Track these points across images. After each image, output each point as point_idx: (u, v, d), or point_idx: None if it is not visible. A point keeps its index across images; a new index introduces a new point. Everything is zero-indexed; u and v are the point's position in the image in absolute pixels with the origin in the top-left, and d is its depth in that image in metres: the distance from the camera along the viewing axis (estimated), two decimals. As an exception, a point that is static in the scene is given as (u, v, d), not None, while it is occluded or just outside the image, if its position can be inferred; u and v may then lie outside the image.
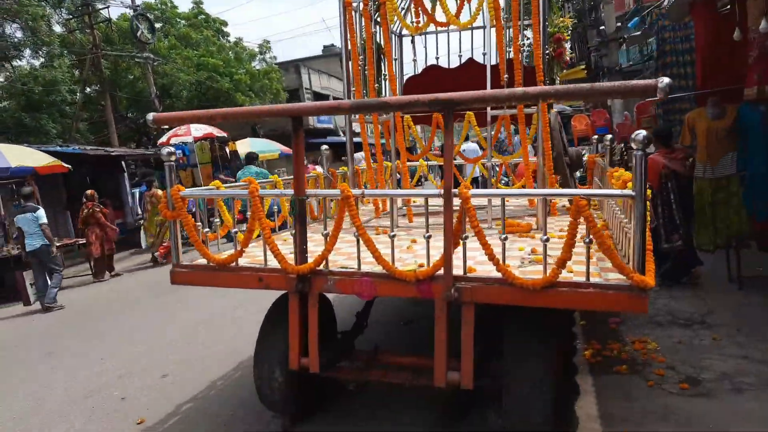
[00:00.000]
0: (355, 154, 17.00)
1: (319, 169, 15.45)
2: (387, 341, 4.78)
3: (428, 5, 4.26)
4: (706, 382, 3.72)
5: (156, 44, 20.84)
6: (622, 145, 8.98)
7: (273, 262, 3.14)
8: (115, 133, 18.20)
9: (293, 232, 3.04)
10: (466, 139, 10.88)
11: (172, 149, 3.24)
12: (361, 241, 2.90)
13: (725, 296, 5.36)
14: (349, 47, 4.40)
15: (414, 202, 5.01)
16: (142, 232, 11.91)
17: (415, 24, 4.33)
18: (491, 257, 2.66)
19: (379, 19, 4.60)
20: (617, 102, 14.42)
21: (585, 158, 6.07)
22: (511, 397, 2.88)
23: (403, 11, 4.79)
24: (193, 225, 3.25)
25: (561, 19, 4.61)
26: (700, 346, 4.33)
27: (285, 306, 3.51)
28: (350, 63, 4.43)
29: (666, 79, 2.24)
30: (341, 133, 32.94)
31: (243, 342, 5.42)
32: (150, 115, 3.13)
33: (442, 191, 2.72)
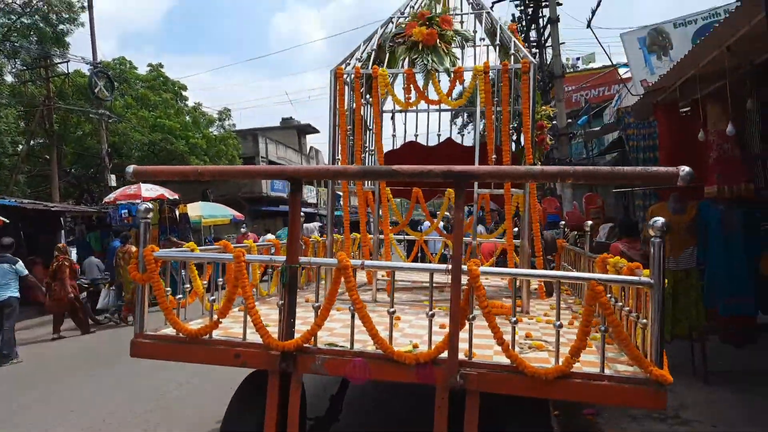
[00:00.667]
0: (306, 225, 16.77)
1: (271, 236, 15.11)
2: (355, 424, 4.40)
3: (420, 83, 4.30)
4: (696, 484, 3.55)
5: (112, 103, 20.46)
6: (575, 232, 9.28)
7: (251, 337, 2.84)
8: (57, 187, 17.28)
9: (280, 302, 2.77)
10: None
11: (149, 205, 2.98)
12: (356, 317, 2.67)
13: (693, 390, 5.32)
14: (338, 117, 4.34)
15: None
16: (103, 292, 11.26)
17: (405, 100, 4.34)
18: (501, 342, 2.49)
19: (365, 92, 4.61)
20: (567, 191, 15.06)
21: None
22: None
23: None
24: (164, 290, 2.92)
25: (544, 107, 4.77)
26: (680, 443, 4.20)
27: (257, 386, 3.17)
28: (338, 131, 4.36)
29: (687, 168, 2.24)
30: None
31: (191, 421, 4.89)
32: (130, 168, 2.87)
33: (449, 267, 2.56)
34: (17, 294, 7.69)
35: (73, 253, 16.14)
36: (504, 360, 2.61)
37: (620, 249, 5.82)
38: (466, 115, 30.62)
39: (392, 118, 5.61)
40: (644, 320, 2.52)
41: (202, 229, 18.45)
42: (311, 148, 40.13)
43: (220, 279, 3.41)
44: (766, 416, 4.61)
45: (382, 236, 4.55)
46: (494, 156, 4.10)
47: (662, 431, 4.43)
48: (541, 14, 17.71)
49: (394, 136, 5.47)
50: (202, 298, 3.43)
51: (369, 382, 5.03)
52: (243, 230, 11.66)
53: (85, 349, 8.30)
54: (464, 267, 2.53)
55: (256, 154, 29.38)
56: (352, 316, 2.72)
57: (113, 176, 18.60)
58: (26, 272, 7.84)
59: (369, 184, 4.72)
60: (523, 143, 4.49)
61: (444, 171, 2.52)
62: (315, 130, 39.08)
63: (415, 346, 2.86)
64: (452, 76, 4.20)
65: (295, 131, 37.44)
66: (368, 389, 5.30)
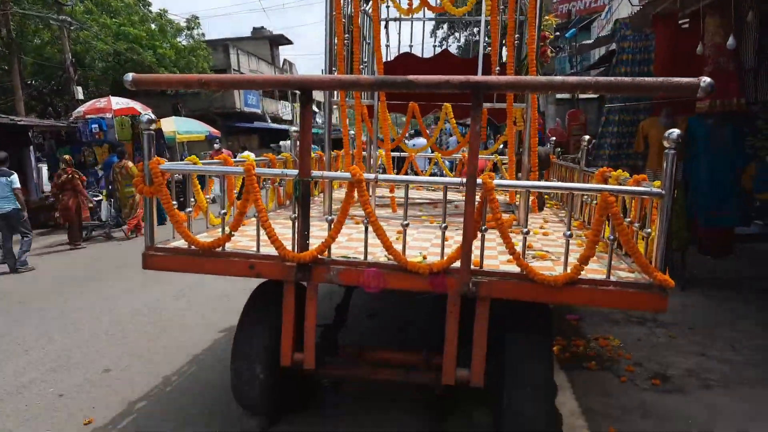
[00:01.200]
0: (283, 142, 16.50)
1: (248, 153, 14.82)
2: (354, 334, 4.59)
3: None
4: (675, 378, 3.87)
5: (72, 8, 19.06)
6: (559, 149, 9.37)
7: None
8: (21, 100, 16.44)
9: (293, 215, 2.78)
10: (417, 134, 10.82)
11: (152, 116, 2.86)
12: (370, 230, 2.70)
13: (670, 297, 5.66)
14: (334, 25, 4.14)
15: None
16: (103, 203, 11.53)
17: (407, 6, 4.15)
18: (512, 252, 2.57)
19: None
20: (550, 107, 15.01)
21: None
22: (516, 397, 2.79)
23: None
24: (172, 204, 2.89)
25: (546, 17, 4.63)
26: (659, 343, 4.52)
27: (268, 298, 3.25)
28: (335, 40, 4.17)
29: (708, 79, 2.25)
30: (268, 119, 31.99)
31: (191, 335, 5.04)
32: (129, 75, 2.73)
33: (464, 179, 2.58)
34: (18, 206, 7.95)
35: (44, 170, 15.72)
36: (512, 269, 2.71)
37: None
38: (446, 26, 29.55)
39: (386, 27, 5.38)
40: (648, 230, 2.62)
41: (176, 146, 17.94)
42: (285, 60, 38.61)
43: (220, 194, 3.39)
44: (737, 318, 4.97)
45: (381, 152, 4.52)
46: (497, 68, 4.02)
47: (642, 334, 4.75)
48: None
49: (387, 46, 5.27)
50: (206, 212, 3.41)
51: (364, 295, 5.22)
52: (216, 146, 11.32)
53: (79, 264, 8.29)
54: (479, 180, 2.55)
55: (228, 67, 28.15)
56: (366, 229, 2.75)
57: (79, 89, 17.73)
58: (18, 185, 8.01)
59: (366, 97, 4.60)
60: (524, 55, 4.40)
61: (462, 81, 2.46)
62: (288, 41, 37.40)
63: (425, 257, 2.92)
64: (455, -19, 4.01)
65: (267, 42, 35.77)
66: (365, 301, 5.48)
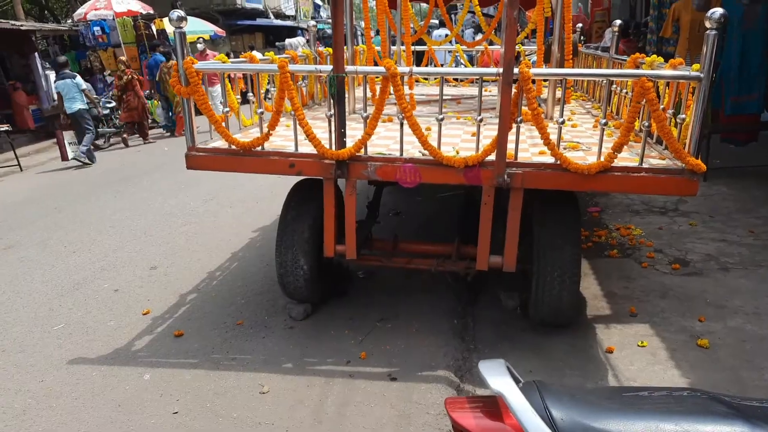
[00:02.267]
0: (289, 40, 15.76)
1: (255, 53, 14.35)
2: (384, 230, 4.78)
3: None
4: (695, 262, 4.04)
5: None
6: (582, 37, 8.99)
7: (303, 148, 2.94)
8: (20, 3, 15.85)
9: (330, 113, 2.82)
10: (442, 24, 10.34)
11: (182, 13, 2.82)
12: (406, 125, 2.75)
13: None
14: None
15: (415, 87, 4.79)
16: (152, 105, 11.91)
17: None
18: (547, 142, 2.62)
19: None
20: (572, -7, 14.14)
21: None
22: (544, 281, 2.97)
23: None
24: (209, 103, 2.93)
25: None
26: (679, 231, 4.66)
27: (307, 194, 3.38)
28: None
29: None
30: (271, 15, 30.59)
31: (227, 233, 5.27)
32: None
33: (500, 69, 2.57)
34: (85, 105, 8.80)
35: (51, 77, 15.50)
36: (545, 160, 2.78)
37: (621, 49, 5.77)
38: None
39: None
40: (682, 116, 2.64)
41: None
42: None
43: (251, 93, 3.40)
44: (758, 205, 5.06)
45: (403, 47, 4.42)
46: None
47: (663, 223, 4.88)
48: None
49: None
50: (237, 113, 3.44)
51: (388, 195, 5.35)
52: (200, 47, 10.85)
53: (108, 167, 8.48)
54: (516, 70, 2.54)
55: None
56: (401, 124, 2.80)
57: (77, -11, 16.98)
58: (85, 86, 8.86)
59: (388, -13, 4.42)
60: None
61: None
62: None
63: (457, 152, 2.98)
64: None
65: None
66: (390, 200, 5.62)
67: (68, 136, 8.99)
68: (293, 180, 3.47)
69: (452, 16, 10.07)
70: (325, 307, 3.66)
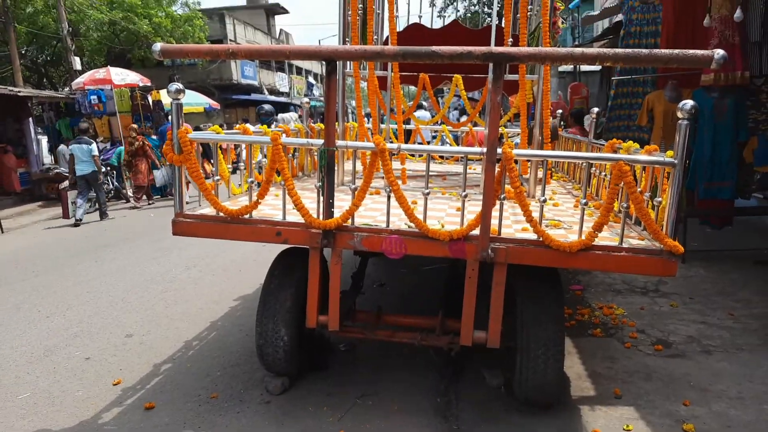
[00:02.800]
0: (281, 114, 16.27)
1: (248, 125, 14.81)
2: (367, 301, 4.74)
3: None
4: (677, 344, 4.04)
5: (66, -25, 18.71)
6: (562, 122, 9.44)
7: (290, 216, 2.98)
8: (19, 71, 16.28)
9: (319, 184, 2.88)
10: (419, 107, 10.84)
11: (180, 86, 2.92)
12: (393, 199, 2.81)
13: (669, 267, 5.83)
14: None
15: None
16: (162, 169, 12.46)
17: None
18: (530, 219, 2.68)
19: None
20: (553, 81, 14.94)
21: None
22: (528, 359, 2.94)
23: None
24: (201, 172, 2.98)
25: (558, -11, 4.66)
26: (661, 312, 4.69)
27: (291, 263, 3.38)
28: (348, 12, 4.22)
29: (721, 51, 2.34)
30: (265, 91, 31.72)
31: (207, 302, 5.18)
32: (157, 45, 2.78)
33: (485, 149, 2.68)
34: (95, 168, 9.63)
35: (44, 142, 15.67)
36: (528, 236, 2.84)
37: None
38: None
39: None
40: (659, 199, 2.74)
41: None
42: (281, 30, 38.12)
43: (242, 163, 3.48)
44: (736, 288, 5.14)
45: (394, 125, 4.61)
46: (510, 40, 4.07)
47: (644, 303, 4.92)
48: None
49: (396, 17, 5.29)
50: (227, 182, 3.50)
51: (371, 267, 5.35)
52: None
53: (89, 234, 8.40)
54: (499, 150, 2.65)
55: (224, 37, 27.83)
56: (388, 197, 2.86)
57: (77, 59, 17.53)
58: (96, 153, 9.74)
59: (379, 68, 4.66)
60: (535, 27, 4.45)
61: (485, 52, 2.54)
62: (284, 11, 36.85)
63: (443, 225, 3.03)
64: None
65: (263, 11, 35.29)
66: (374, 272, 5.62)
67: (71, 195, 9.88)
68: (277, 249, 3.48)
69: (439, 98, 10.55)
70: (303, 381, 3.55)
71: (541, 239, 2.69)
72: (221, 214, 2.97)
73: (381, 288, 5.40)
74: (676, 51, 2.40)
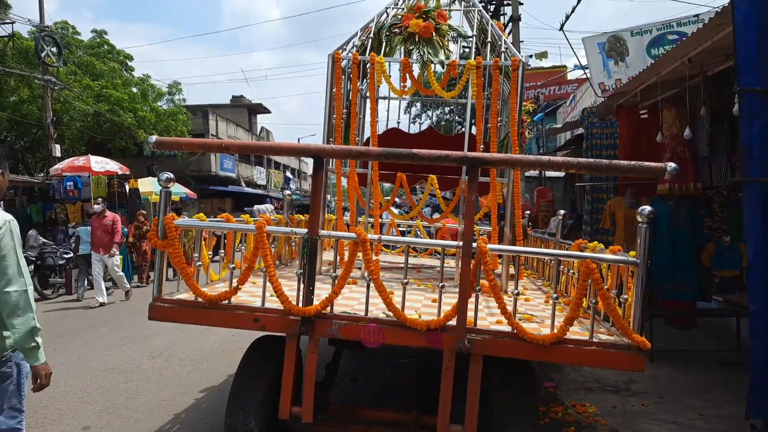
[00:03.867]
0: (257, 206, 16.59)
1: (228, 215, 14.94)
2: (340, 394, 4.63)
3: (415, 73, 4.52)
4: (650, 444, 4.03)
5: (58, 69, 19.46)
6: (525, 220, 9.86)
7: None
8: (-4, 155, 16.30)
9: (299, 271, 2.95)
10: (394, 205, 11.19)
11: (170, 175, 3.05)
12: (372, 287, 2.90)
13: (639, 367, 5.90)
14: (333, 101, 4.51)
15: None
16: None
17: (401, 88, 4.56)
18: (504, 311, 2.78)
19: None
20: (520, 185, 15.68)
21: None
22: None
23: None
24: (183, 257, 3.04)
25: (525, 102, 5.11)
26: (632, 411, 4.70)
27: (266, 351, 3.36)
28: (333, 115, 4.53)
29: (673, 164, 2.61)
30: (243, 183, 32.27)
31: (171, 393, 4.98)
32: (152, 138, 2.95)
33: (460, 243, 2.83)
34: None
35: (12, 225, 15.42)
36: (503, 328, 2.92)
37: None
38: (419, 104, 31.06)
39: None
40: (625, 296, 2.89)
41: (151, 206, 17.92)
42: (262, 128, 39.55)
43: (222, 251, 3.55)
44: (704, 389, 5.21)
45: (371, 219, 4.79)
46: (482, 146, 4.40)
47: (616, 401, 4.93)
48: (502, 12, 18.22)
49: (377, 121, 5.68)
50: (207, 268, 3.54)
51: (344, 359, 5.29)
52: (97, 208, 9.86)
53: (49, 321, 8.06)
54: (474, 244, 2.80)
55: (206, 132, 28.67)
56: (368, 286, 2.94)
57: (57, 146, 17.76)
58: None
59: (359, 166, 4.92)
60: (503, 136, 4.83)
61: (461, 156, 2.78)
62: (266, 110, 38.51)
63: (420, 315, 3.09)
64: (446, 68, 4.46)
65: (245, 110, 36.77)
66: (346, 364, 5.53)
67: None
68: (249, 338, 3.47)
69: (414, 197, 10.97)
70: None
71: (515, 331, 2.78)
72: (200, 299, 2.99)
73: (354, 382, 5.29)
74: (633, 162, 2.67)
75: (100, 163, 15.28)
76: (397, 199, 13.85)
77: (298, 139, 64.38)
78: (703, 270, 6.35)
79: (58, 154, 17.48)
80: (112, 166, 15.66)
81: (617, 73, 9.73)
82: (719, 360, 5.96)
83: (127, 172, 16.04)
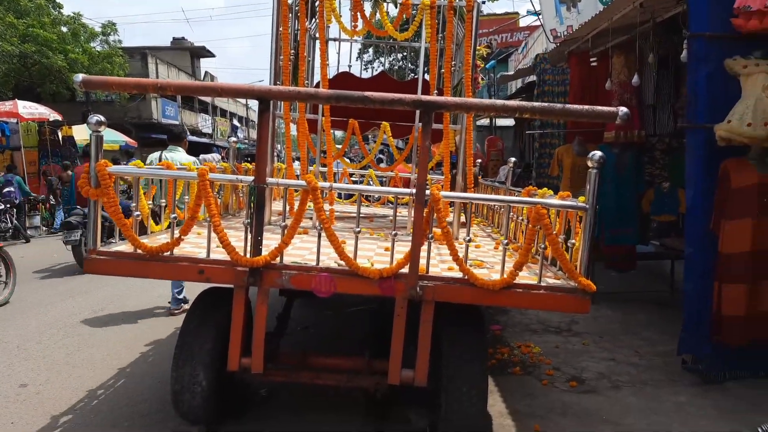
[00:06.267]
0: (203, 155, 16.30)
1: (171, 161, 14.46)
2: (290, 343, 4.62)
3: (367, 12, 4.31)
4: (589, 380, 4.24)
5: (-28, 3, 17.72)
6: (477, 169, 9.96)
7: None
8: None
9: (247, 221, 2.83)
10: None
11: (102, 118, 2.82)
12: (323, 236, 2.82)
13: (581, 309, 6.17)
14: (280, 42, 4.26)
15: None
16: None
17: (352, 28, 4.34)
18: (456, 258, 2.78)
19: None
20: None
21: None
22: (453, 397, 2.98)
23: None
24: (119, 207, 2.85)
25: (479, 47, 5.00)
26: (573, 350, 4.92)
27: (214, 303, 3.26)
28: (280, 57, 4.29)
29: (624, 109, 2.61)
30: (187, 132, 30.99)
31: (114, 348, 4.84)
32: (79, 76, 2.68)
33: (413, 190, 2.77)
34: None
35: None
36: (455, 274, 2.92)
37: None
38: (372, 50, 30.28)
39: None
40: (572, 241, 2.93)
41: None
42: (206, 73, 37.75)
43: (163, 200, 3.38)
44: (641, 328, 5.51)
45: (323, 168, 4.66)
46: (436, 91, 4.30)
47: (558, 341, 5.15)
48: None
49: (327, 65, 5.44)
50: (146, 218, 3.36)
51: (299, 308, 5.26)
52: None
53: None
54: (427, 191, 2.75)
55: (146, 76, 27.13)
56: (319, 235, 2.86)
57: (-21, 90, 16.38)
58: None
59: (310, 112, 4.72)
60: (457, 81, 4.73)
61: (415, 100, 2.68)
62: (210, 54, 36.71)
63: (372, 264, 3.05)
64: (399, 8, 4.26)
65: (188, 53, 34.89)
66: (297, 314, 5.50)
67: None
68: (197, 290, 3.35)
69: (366, 145, 10.82)
70: (221, 429, 3.36)
71: (466, 278, 2.78)
72: (140, 251, 2.83)
73: (305, 331, 5.29)
74: (587, 107, 2.64)
75: (29, 109, 14.26)
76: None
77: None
78: (642, 215, 6.60)
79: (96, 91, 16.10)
80: (42, 110, 14.64)
81: (569, 20, 9.68)
82: (655, 300, 6.30)
83: (60, 118, 15.05)
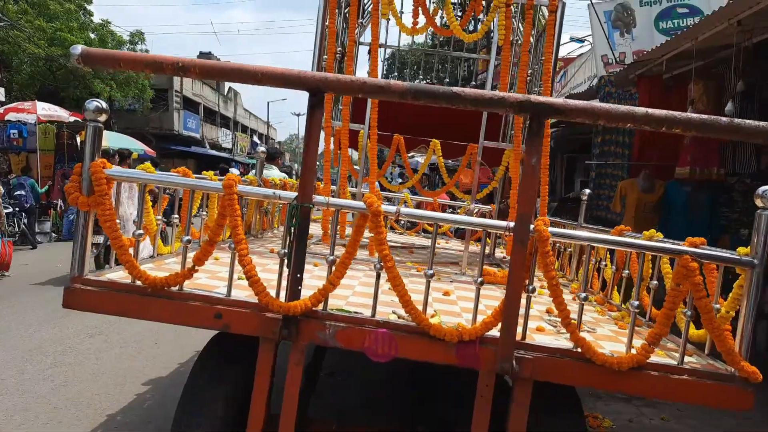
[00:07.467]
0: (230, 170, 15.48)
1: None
2: (318, 396, 3.84)
3: (430, 9, 3.65)
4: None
5: (4, 5, 17.60)
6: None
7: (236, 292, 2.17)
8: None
9: (284, 251, 2.09)
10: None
11: (103, 105, 2.14)
12: (383, 278, 2.08)
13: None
14: (326, 39, 3.62)
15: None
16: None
17: (412, 25, 3.67)
18: (567, 322, 2.01)
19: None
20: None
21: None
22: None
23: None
24: (116, 221, 2.14)
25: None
26: (651, 426, 4.08)
27: (231, 351, 2.51)
28: (324, 57, 3.64)
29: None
30: (207, 145, 30.67)
31: (108, 383, 4.10)
32: (76, 48, 2.01)
33: (511, 224, 2.03)
34: None
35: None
36: (557, 342, 2.16)
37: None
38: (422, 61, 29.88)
39: (369, 51, 4.90)
40: (717, 306, 2.14)
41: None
42: (230, 88, 37.74)
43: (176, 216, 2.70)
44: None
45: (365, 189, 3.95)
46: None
47: (630, 412, 4.31)
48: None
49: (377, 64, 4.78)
50: (153, 237, 2.66)
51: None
52: None
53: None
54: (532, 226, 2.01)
55: (170, 87, 27.06)
56: (377, 276, 2.12)
57: (2, 90, 16.08)
58: None
59: (352, 121, 4.03)
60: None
61: (520, 101, 1.96)
62: (236, 70, 36.63)
63: (433, 316, 2.29)
64: (468, 5, 3.60)
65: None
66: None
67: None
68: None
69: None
70: None
71: (579, 350, 2.01)
72: (139, 282, 2.11)
73: (331, 378, 4.50)
74: (763, 123, 1.90)
75: (48, 110, 13.89)
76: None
77: (268, 103, 62.05)
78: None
79: (2, 99, 15.81)
80: (61, 112, 14.26)
81: (621, 46, 9.01)
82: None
83: (80, 119, 14.63)
